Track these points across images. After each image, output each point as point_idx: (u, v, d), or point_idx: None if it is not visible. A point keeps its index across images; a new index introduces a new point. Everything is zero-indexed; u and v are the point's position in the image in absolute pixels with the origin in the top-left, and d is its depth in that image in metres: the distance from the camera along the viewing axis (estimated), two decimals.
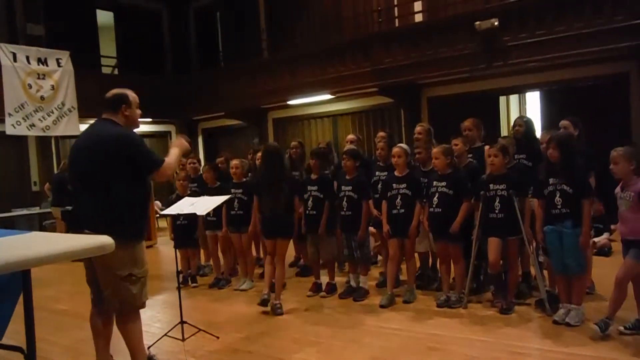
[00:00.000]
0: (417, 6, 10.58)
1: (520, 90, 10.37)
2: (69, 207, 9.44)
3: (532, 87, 9.78)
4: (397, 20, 10.95)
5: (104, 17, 13.93)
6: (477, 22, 8.58)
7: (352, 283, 5.70)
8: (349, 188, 5.54)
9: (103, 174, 3.38)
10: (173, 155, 3.72)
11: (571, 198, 4.26)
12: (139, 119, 3.75)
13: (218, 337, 4.53)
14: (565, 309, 4.38)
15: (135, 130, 3.71)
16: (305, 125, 12.87)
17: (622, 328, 4.06)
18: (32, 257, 1.93)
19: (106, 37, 14.07)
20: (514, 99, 11.53)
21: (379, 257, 6.06)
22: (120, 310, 3.47)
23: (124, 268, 3.39)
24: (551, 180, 4.39)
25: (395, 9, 10.95)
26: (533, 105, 10.97)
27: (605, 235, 6.59)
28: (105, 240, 2.23)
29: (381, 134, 6.47)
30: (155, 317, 5.41)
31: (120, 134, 3.46)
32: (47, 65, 10.78)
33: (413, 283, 5.49)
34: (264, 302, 5.27)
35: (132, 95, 3.66)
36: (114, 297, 3.42)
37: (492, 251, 4.75)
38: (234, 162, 6.37)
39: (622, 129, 8.11)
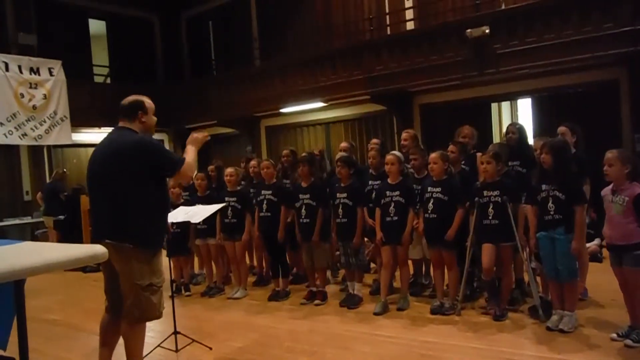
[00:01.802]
0: (409, 14, 10.65)
1: (512, 97, 10.42)
2: (61, 216, 9.42)
3: (523, 94, 9.84)
4: (388, 28, 11.01)
5: (96, 27, 13.91)
6: (468, 30, 8.64)
7: (351, 291, 5.69)
8: (344, 195, 5.54)
9: (123, 183, 3.37)
10: (190, 153, 3.70)
11: (564, 204, 4.28)
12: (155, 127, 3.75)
13: (211, 348, 4.51)
14: (559, 315, 4.39)
15: None
16: (297, 133, 12.88)
17: (614, 335, 4.07)
18: (24, 267, 1.91)
19: (98, 46, 14.06)
20: (505, 105, 11.58)
21: (372, 265, 6.05)
22: (139, 319, 3.45)
23: (144, 278, 3.39)
24: (544, 187, 4.41)
25: (387, 16, 11.02)
26: (524, 111, 11.03)
27: (596, 241, 6.63)
28: (99, 249, 2.22)
29: (373, 141, 6.50)
30: (148, 326, 5.33)
31: (138, 141, 3.46)
32: (39, 75, 10.79)
33: (407, 290, 5.49)
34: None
35: (148, 102, 3.68)
36: (135, 307, 3.40)
37: (486, 258, 4.76)
38: (229, 170, 6.37)
39: (612, 135, 8.16)
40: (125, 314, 3.44)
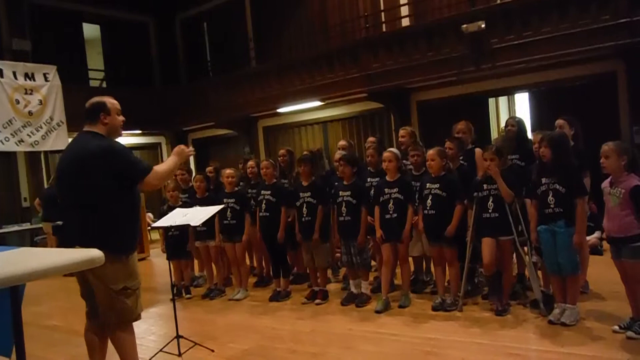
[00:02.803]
0: (404, 11, 10.63)
1: (509, 91, 10.41)
2: (60, 222, 9.38)
3: (520, 88, 9.82)
4: (384, 25, 11.00)
5: (91, 31, 13.89)
6: (464, 25, 8.61)
7: (353, 289, 5.67)
8: (348, 193, 5.52)
9: (89, 189, 3.31)
10: (167, 163, 3.63)
11: (564, 197, 4.26)
12: (122, 127, 3.63)
13: (213, 351, 4.49)
14: (560, 309, 4.38)
15: (124, 142, 3.66)
16: (295, 132, 12.86)
17: (616, 327, 4.06)
18: (21, 273, 1.89)
19: (93, 50, 14.03)
20: (503, 100, 11.57)
21: (373, 263, 6.04)
22: (117, 323, 3.43)
23: (118, 282, 3.35)
24: (544, 180, 4.39)
25: (382, 14, 11.00)
26: (522, 106, 11.02)
27: (597, 234, 6.62)
28: (95, 253, 2.20)
29: (370, 139, 6.48)
30: (149, 330, 5.36)
31: (101, 147, 3.35)
32: (34, 80, 10.76)
33: (408, 287, 5.48)
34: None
35: (110, 101, 3.55)
36: (110, 311, 3.38)
37: (486, 252, 4.75)
38: (228, 171, 6.35)
39: (610, 127, 8.15)
40: (102, 318, 3.43)
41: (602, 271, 5.18)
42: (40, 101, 10.73)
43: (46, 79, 10.89)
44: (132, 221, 3.54)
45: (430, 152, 5.14)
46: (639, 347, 3.76)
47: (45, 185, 11.38)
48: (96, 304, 3.46)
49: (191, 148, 3.88)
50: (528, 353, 3.96)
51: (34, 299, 6.86)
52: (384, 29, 10.89)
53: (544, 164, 4.45)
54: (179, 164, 3.81)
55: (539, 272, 4.94)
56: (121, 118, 3.60)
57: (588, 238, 5.47)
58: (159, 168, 3.52)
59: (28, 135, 10.59)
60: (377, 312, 5.17)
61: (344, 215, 5.52)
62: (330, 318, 5.25)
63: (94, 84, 14.03)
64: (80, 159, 3.36)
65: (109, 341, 3.57)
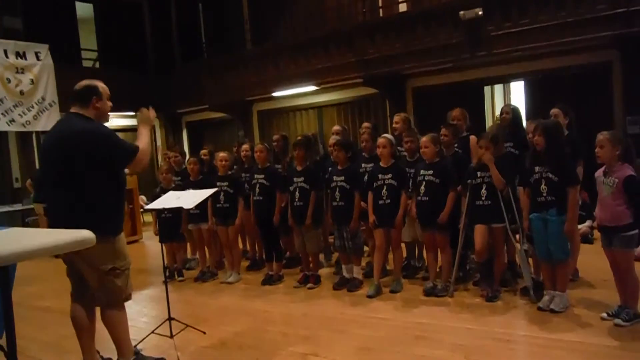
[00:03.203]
0: None
1: (505, 79, 10.39)
2: None
3: (516, 76, 9.80)
4: (381, 10, 10.92)
5: (84, 10, 13.68)
6: (461, 12, 8.57)
7: (346, 274, 5.69)
8: (342, 178, 5.52)
9: (76, 171, 3.30)
10: (143, 136, 3.59)
11: (556, 186, 4.28)
12: (109, 112, 3.62)
13: (205, 332, 4.50)
14: (550, 296, 4.42)
15: (117, 123, 3.64)
16: (290, 117, 12.81)
17: (604, 315, 4.11)
18: (8, 253, 1.88)
19: (86, 29, 13.84)
20: (498, 88, 11.55)
21: (366, 248, 6.07)
22: (107, 303, 3.44)
23: (106, 262, 3.37)
24: (537, 169, 4.41)
25: None
26: (517, 94, 11.01)
27: (588, 222, 6.67)
28: (86, 234, 2.20)
29: (365, 125, 6.47)
30: (142, 311, 5.37)
31: (90, 129, 3.35)
32: (25, 59, 10.62)
33: (400, 272, 5.51)
34: None
35: (102, 86, 3.55)
36: (100, 292, 3.40)
37: (479, 239, 4.78)
38: (222, 154, 6.33)
39: (604, 117, 8.17)
40: (96, 300, 3.44)
41: (592, 259, 5.23)
42: (32, 80, 10.60)
43: (38, 58, 10.75)
44: (118, 201, 3.55)
45: (424, 139, 5.14)
46: (627, 334, 3.82)
47: (37, 166, 11.30)
48: (82, 284, 3.47)
49: (151, 108, 3.81)
50: (517, 338, 4.00)
51: (25, 280, 6.86)
52: (381, 14, 10.81)
53: (537, 152, 4.45)
54: (151, 130, 3.76)
55: (530, 260, 4.98)
56: (110, 104, 3.59)
57: (579, 227, 5.51)
58: (142, 145, 3.50)
59: (19, 115, 10.48)
60: (369, 296, 5.20)
61: (337, 200, 5.52)
62: (323, 302, 5.28)
63: (86, 64, 13.88)
64: (71, 138, 3.33)
65: (100, 322, 3.57)
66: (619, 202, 3.93)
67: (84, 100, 3.48)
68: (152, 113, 3.79)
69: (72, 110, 3.50)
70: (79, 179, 3.31)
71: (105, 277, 3.37)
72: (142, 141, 3.55)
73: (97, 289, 3.40)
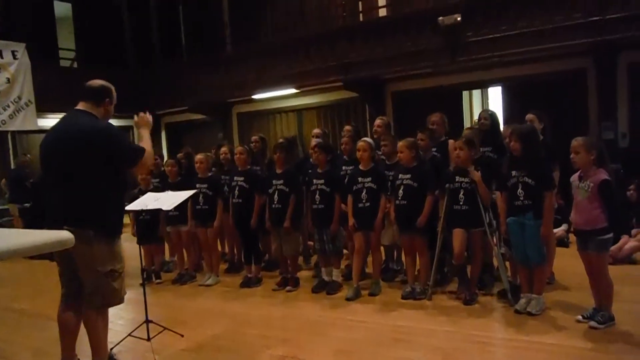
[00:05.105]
0: (381, 1, 10.64)
1: (483, 85, 10.54)
2: (27, 204, 9.19)
3: (494, 82, 9.95)
4: (361, 14, 10.98)
5: (62, 8, 13.51)
6: (441, 18, 8.68)
7: (325, 277, 5.69)
8: (322, 181, 5.52)
9: (84, 168, 3.28)
10: (146, 139, 3.61)
11: (533, 190, 4.34)
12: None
13: (182, 335, 4.47)
14: (527, 299, 4.48)
15: None
16: (270, 119, 12.80)
17: (579, 317, 4.17)
18: None
19: (64, 29, 13.66)
20: (476, 93, 11.72)
21: (345, 251, 6.08)
22: (101, 305, 3.41)
23: (106, 264, 3.34)
24: (514, 173, 4.47)
25: (360, 3, 10.98)
26: (495, 99, 11.17)
27: (564, 226, 6.79)
28: (65, 235, 2.17)
29: (346, 128, 6.50)
30: (118, 314, 5.29)
31: (103, 127, 3.39)
32: (2, 58, 10.45)
33: (378, 275, 5.53)
34: None
35: (114, 90, 3.59)
36: (96, 293, 3.35)
37: (457, 242, 4.82)
38: (199, 156, 6.30)
39: (579, 123, 8.33)
40: (87, 302, 3.39)
41: (567, 263, 5.31)
42: (8, 79, 10.43)
43: (15, 57, 10.57)
44: (121, 203, 3.58)
45: (400, 143, 5.18)
46: (601, 336, 3.88)
47: (12, 166, 11.10)
48: (75, 285, 3.42)
49: (147, 112, 3.87)
50: (494, 341, 4.05)
51: (0, 281, 6.73)
52: (361, 19, 10.88)
53: (514, 157, 4.52)
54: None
55: (507, 263, 5.04)
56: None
57: (555, 230, 5.60)
58: (146, 147, 3.52)
59: None
60: (348, 299, 5.21)
61: (317, 203, 5.53)
62: (302, 305, 5.28)
63: (64, 63, 13.69)
64: (84, 135, 3.31)
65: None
66: (594, 206, 4.00)
67: (98, 99, 3.48)
68: (149, 116, 3.83)
69: (80, 107, 3.47)
70: (86, 178, 3.29)
71: (103, 279, 3.34)
72: (146, 144, 3.57)
73: (93, 290, 3.34)
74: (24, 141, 12.16)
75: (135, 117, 3.81)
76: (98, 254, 3.23)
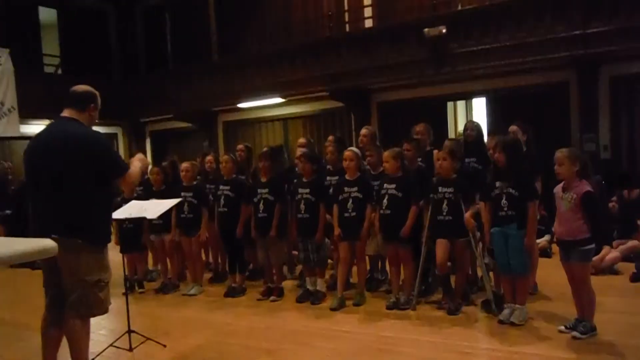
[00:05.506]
0: (367, 12, 10.73)
1: (467, 96, 10.65)
2: (8, 211, 9.05)
3: (478, 93, 10.07)
4: (347, 25, 11.06)
5: (47, 15, 13.41)
6: (426, 29, 8.76)
7: (309, 287, 5.67)
8: (307, 191, 5.52)
9: (74, 176, 3.25)
10: (135, 166, 3.62)
11: (517, 201, 4.38)
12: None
13: (165, 346, 4.42)
14: (510, 309, 4.50)
15: None
16: (256, 128, 12.80)
17: (562, 327, 4.20)
18: None
19: (49, 35, 13.56)
20: (461, 104, 11.82)
21: (329, 261, 6.07)
22: (85, 315, 3.36)
23: (93, 274, 3.31)
24: (497, 184, 4.51)
25: (346, 14, 11.06)
26: (479, 111, 11.28)
27: (547, 237, 6.85)
28: (49, 243, 2.15)
29: (330, 138, 6.50)
30: (100, 324, 5.21)
31: (92, 135, 3.37)
32: None
33: (364, 286, 5.52)
34: None
35: (99, 95, 3.57)
36: (82, 303, 3.30)
37: (440, 253, 4.85)
38: (185, 165, 6.27)
39: (561, 135, 8.44)
40: (69, 310, 3.33)
41: (550, 273, 5.36)
42: None
43: None
44: (109, 212, 3.58)
45: (385, 153, 5.20)
46: (584, 346, 3.91)
47: None
48: (59, 294, 3.36)
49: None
50: (478, 351, 4.06)
51: None
52: (347, 29, 10.96)
53: (498, 168, 4.57)
54: (141, 170, 3.78)
55: (491, 274, 5.07)
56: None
57: (538, 241, 5.65)
58: (133, 169, 3.54)
59: None
60: (332, 309, 5.20)
61: (302, 212, 5.52)
62: (286, 315, 5.25)
63: (48, 70, 13.57)
64: (71, 142, 3.28)
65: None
66: (577, 217, 4.04)
67: (81, 105, 3.45)
68: (147, 160, 4.00)
69: (65, 114, 3.44)
70: (76, 186, 3.25)
71: (89, 289, 3.29)
72: (134, 167, 3.59)
73: (78, 300, 3.29)
74: (5, 148, 12.01)
75: (136, 155, 3.85)
76: (85, 263, 3.20)
